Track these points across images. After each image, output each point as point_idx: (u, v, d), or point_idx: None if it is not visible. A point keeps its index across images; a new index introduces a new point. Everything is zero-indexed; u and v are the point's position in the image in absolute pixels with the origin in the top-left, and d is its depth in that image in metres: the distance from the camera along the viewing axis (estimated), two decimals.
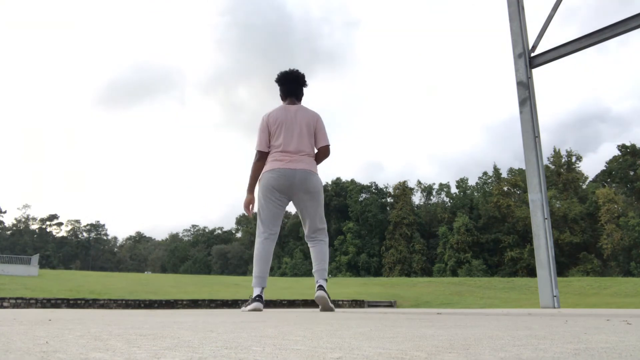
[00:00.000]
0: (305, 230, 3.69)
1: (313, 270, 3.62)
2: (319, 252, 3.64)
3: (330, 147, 3.71)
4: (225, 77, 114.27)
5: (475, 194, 66.52)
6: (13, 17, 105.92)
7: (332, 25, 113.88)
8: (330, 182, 74.69)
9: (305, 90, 3.82)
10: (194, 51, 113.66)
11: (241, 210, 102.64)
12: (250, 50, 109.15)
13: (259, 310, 3.37)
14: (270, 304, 17.61)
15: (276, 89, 3.82)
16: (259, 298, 3.41)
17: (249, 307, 3.40)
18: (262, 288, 3.51)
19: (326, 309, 3.49)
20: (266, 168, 3.57)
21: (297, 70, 3.78)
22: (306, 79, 3.82)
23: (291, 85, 3.73)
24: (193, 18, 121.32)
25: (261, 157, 3.61)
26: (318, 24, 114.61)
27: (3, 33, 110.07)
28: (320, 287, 3.47)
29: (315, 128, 3.65)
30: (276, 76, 3.78)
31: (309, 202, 3.59)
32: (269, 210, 3.56)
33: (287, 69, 3.78)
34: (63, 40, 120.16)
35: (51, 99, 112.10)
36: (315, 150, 3.71)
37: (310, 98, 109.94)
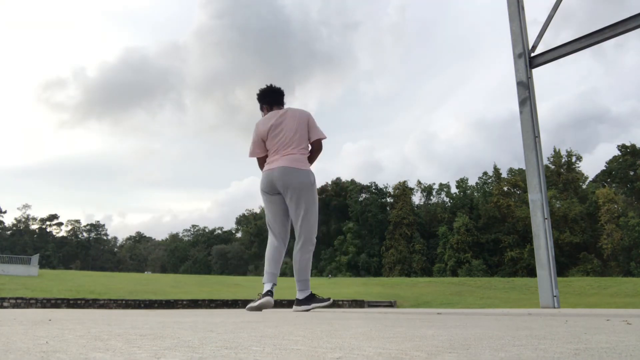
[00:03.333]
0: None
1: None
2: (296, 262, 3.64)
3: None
4: (223, 78, 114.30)
5: (475, 194, 66.46)
6: (13, 17, 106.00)
7: (331, 27, 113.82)
8: (330, 182, 74.69)
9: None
10: (193, 53, 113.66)
11: (241, 210, 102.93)
12: (249, 53, 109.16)
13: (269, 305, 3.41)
14: None
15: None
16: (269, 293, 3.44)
17: (257, 303, 3.41)
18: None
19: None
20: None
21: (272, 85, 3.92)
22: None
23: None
24: (192, 19, 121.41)
25: None
26: (316, 26, 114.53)
27: (3, 32, 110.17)
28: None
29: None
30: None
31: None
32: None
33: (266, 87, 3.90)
34: (63, 41, 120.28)
35: (51, 98, 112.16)
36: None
37: (309, 99, 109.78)
